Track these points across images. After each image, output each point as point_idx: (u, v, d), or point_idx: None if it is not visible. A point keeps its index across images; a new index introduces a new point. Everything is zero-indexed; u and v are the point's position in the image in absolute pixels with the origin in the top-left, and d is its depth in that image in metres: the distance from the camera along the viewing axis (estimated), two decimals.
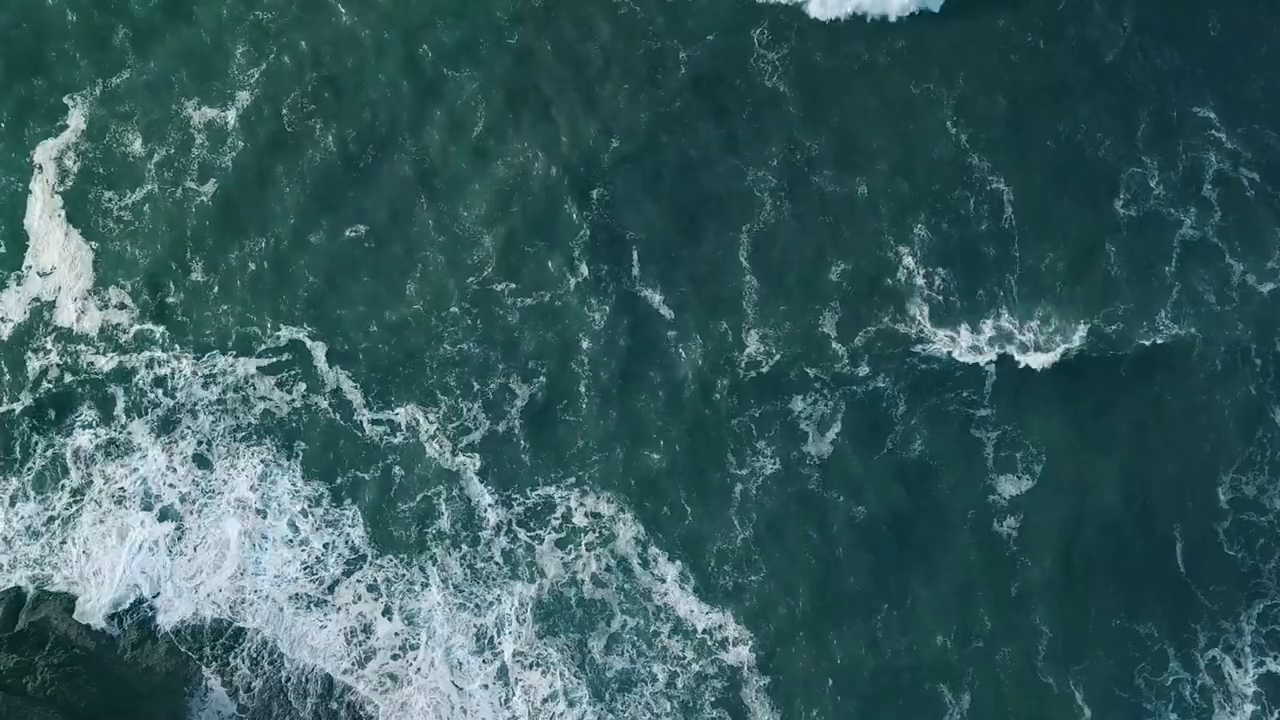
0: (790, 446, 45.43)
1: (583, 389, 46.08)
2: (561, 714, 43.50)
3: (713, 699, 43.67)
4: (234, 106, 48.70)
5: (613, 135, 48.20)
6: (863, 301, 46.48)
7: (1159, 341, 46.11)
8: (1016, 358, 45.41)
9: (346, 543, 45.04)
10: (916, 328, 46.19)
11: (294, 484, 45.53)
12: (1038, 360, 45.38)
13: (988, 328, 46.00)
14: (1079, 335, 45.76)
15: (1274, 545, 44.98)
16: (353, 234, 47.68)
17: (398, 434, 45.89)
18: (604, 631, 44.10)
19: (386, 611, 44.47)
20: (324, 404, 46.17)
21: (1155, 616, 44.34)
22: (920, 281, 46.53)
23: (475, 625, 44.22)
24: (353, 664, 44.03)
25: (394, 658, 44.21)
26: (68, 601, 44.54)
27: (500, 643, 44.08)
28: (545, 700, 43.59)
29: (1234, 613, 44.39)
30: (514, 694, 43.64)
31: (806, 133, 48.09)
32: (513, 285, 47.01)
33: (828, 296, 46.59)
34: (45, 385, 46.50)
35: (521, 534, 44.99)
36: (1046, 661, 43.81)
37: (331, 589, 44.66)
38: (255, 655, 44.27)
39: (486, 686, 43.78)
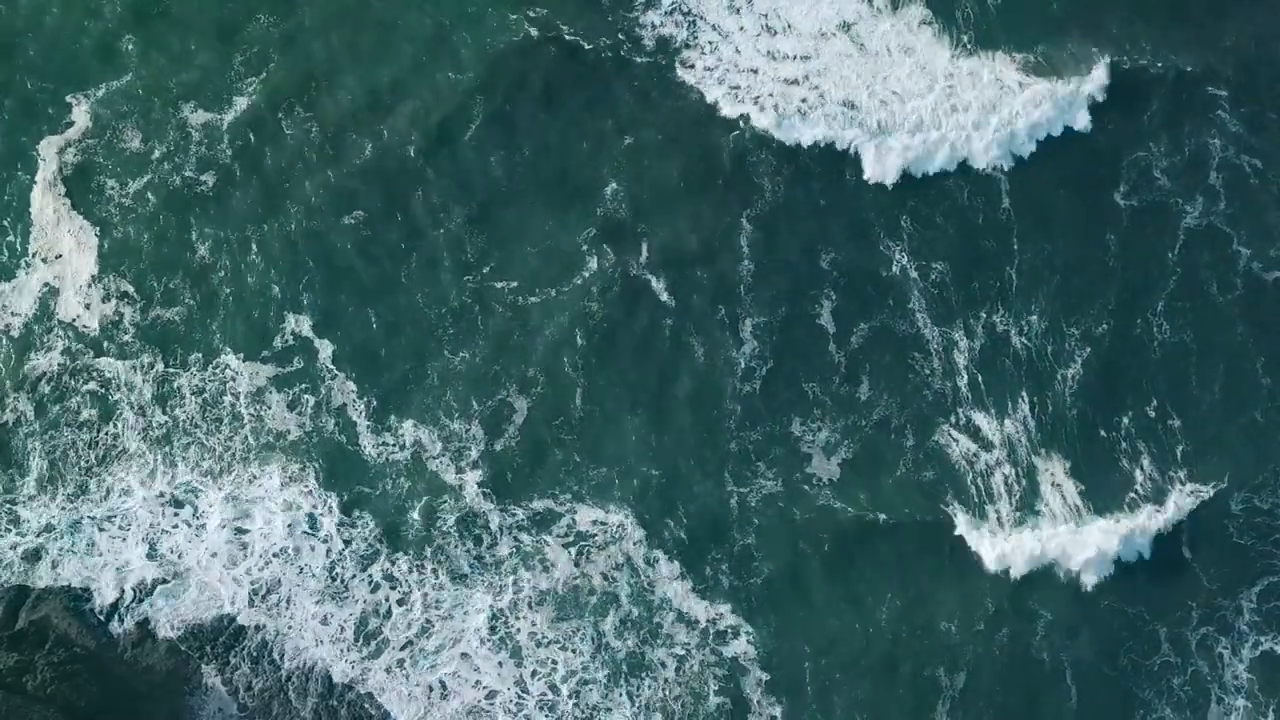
0: (791, 449, 45.44)
1: (581, 394, 46.00)
2: (576, 692, 43.45)
3: (718, 687, 43.70)
4: (232, 108, 48.91)
5: (624, 131, 48.34)
6: (860, 300, 46.60)
7: (1161, 340, 46.06)
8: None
9: (361, 535, 44.98)
10: (914, 327, 46.33)
11: (302, 483, 45.51)
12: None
13: (980, 330, 46.09)
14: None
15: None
16: (350, 222, 47.81)
17: (401, 439, 45.81)
18: (614, 620, 44.10)
19: (401, 601, 44.36)
20: (325, 405, 46.17)
21: (1153, 599, 44.55)
22: (915, 275, 46.57)
23: (489, 608, 44.14)
24: (364, 655, 43.90)
25: (406, 644, 44.10)
26: (68, 600, 44.45)
27: (515, 625, 44.02)
28: (563, 679, 43.57)
29: (1234, 592, 44.49)
30: (529, 673, 43.60)
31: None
32: (514, 284, 47.03)
33: (827, 295, 46.64)
34: (48, 380, 46.54)
35: (526, 537, 44.91)
36: (1044, 647, 43.93)
37: (346, 582, 44.59)
38: (256, 654, 44.13)
39: (501, 665, 43.71)
